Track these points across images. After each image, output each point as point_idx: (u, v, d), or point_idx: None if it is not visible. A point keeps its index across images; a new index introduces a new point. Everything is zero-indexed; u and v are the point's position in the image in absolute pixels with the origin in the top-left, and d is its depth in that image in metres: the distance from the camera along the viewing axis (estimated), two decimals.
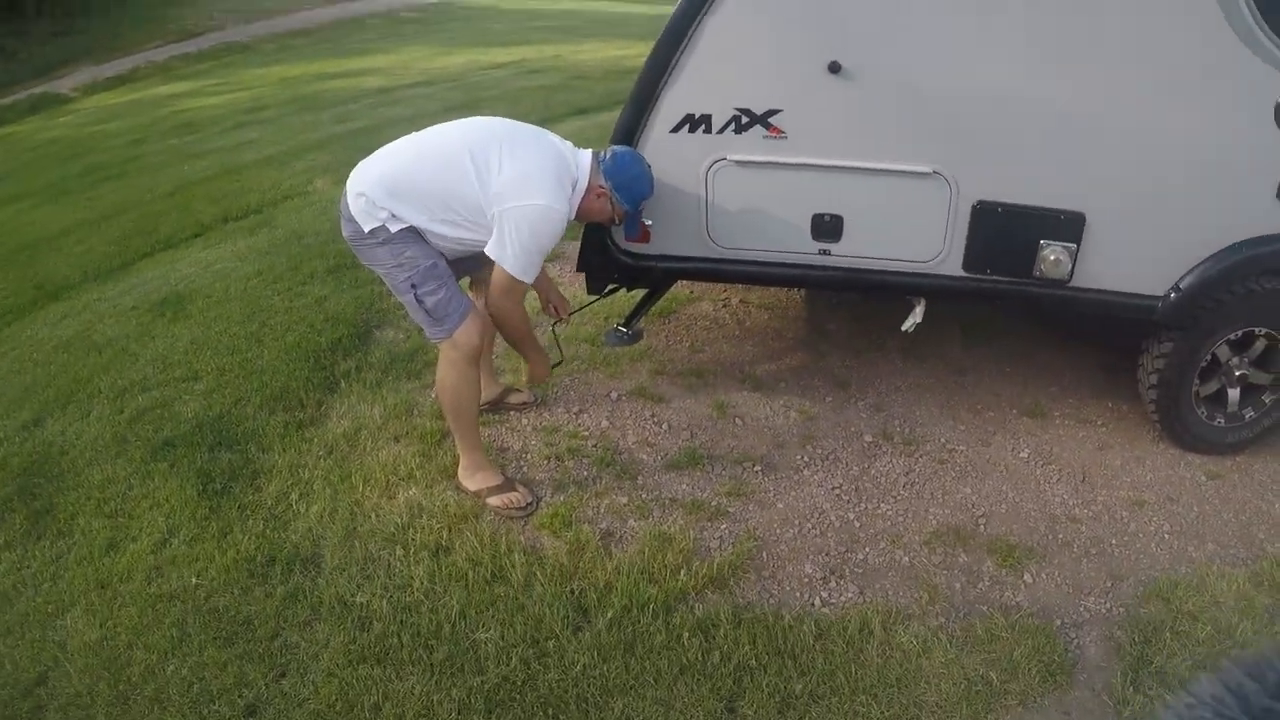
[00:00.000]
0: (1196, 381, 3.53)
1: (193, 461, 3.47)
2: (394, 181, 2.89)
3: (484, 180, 2.84)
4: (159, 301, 5.32)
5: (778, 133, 3.11)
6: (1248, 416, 3.62)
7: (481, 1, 36.41)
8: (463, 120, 3.10)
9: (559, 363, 3.67)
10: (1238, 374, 3.54)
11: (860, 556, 3.05)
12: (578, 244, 4.68)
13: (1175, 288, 3.28)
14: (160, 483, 3.37)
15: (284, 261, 5.70)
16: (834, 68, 2.99)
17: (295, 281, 5.31)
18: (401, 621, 2.66)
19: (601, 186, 3.01)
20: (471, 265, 3.25)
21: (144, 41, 29.89)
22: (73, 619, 2.78)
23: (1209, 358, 3.49)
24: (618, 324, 3.86)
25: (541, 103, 11.50)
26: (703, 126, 3.14)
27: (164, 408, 3.93)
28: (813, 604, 2.85)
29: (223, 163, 9.75)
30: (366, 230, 2.88)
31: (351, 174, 2.97)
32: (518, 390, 3.81)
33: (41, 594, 2.93)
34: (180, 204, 8.12)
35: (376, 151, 3.04)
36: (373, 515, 3.10)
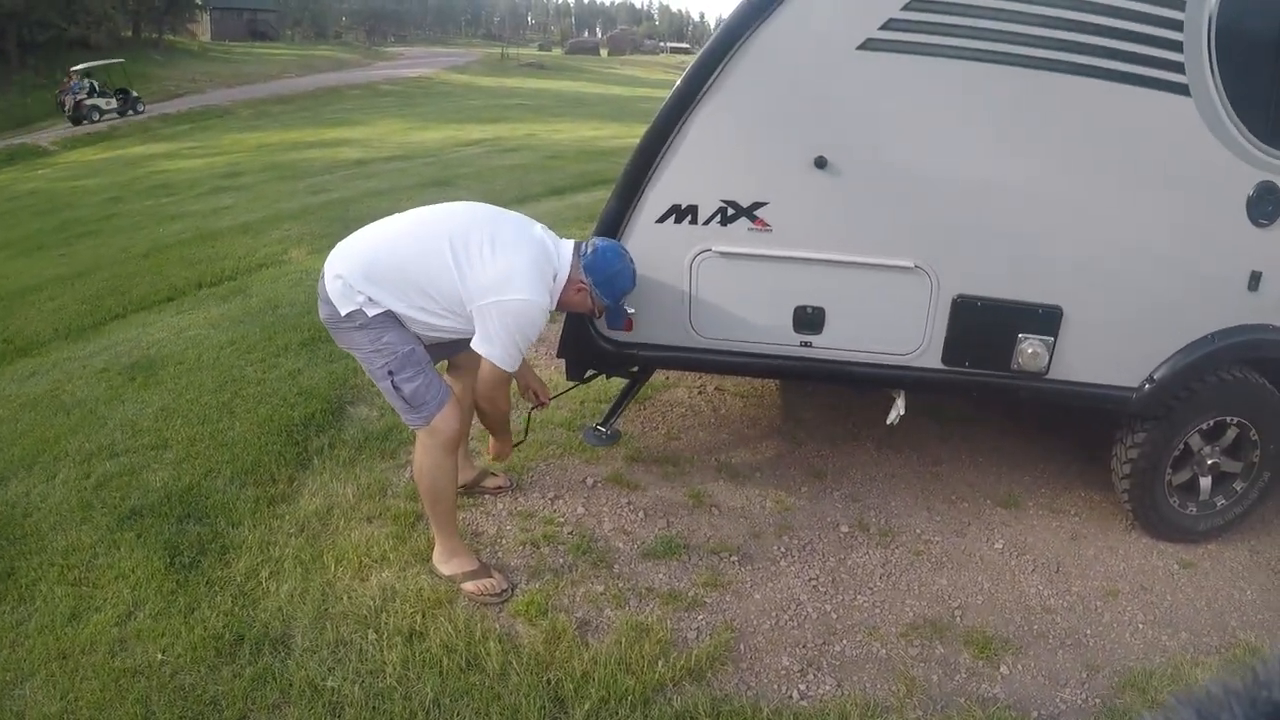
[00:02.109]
0: (1169, 470, 3.59)
1: (160, 533, 3.40)
2: (371, 265, 2.87)
3: (463, 271, 2.84)
4: (130, 365, 5.28)
5: (763, 225, 3.17)
6: (1219, 504, 3.68)
7: (458, 78, 37.05)
8: (444, 205, 3.11)
9: (519, 442, 3.66)
10: (1210, 463, 3.60)
11: (838, 648, 3.04)
12: (555, 325, 4.74)
13: (1149, 379, 3.36)
14: (126, 553, 3.29)
15: (257, 332, 5.68)
16: (820, 163, 3.07)
17: (269, 353, 5.29)
18: (374, 708, 2.58)
19: (582, 281, 3.03)
20: (449, 350, 3.26)
21: None
22: (32, 689, 2.68)
23: (1181, 447, 3.56)
24: (596, 424, 3.89)
25: (516, 182, 11.65)
26: (689, 217, 3.19)
27: (132, 475, 3.86)
28: (791, 696, 2.81)
29: (198, 227, 9.77)
30: (343, 313, 2.86)
31: (330, 255, 2.96)
32: (494, 474, 3.79)
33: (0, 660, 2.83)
34: (155, 266, 8.12)
35: (356, 233, 3.03)
36: (345, 597, 3.04)
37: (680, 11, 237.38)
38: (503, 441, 3.30)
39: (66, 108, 26.41)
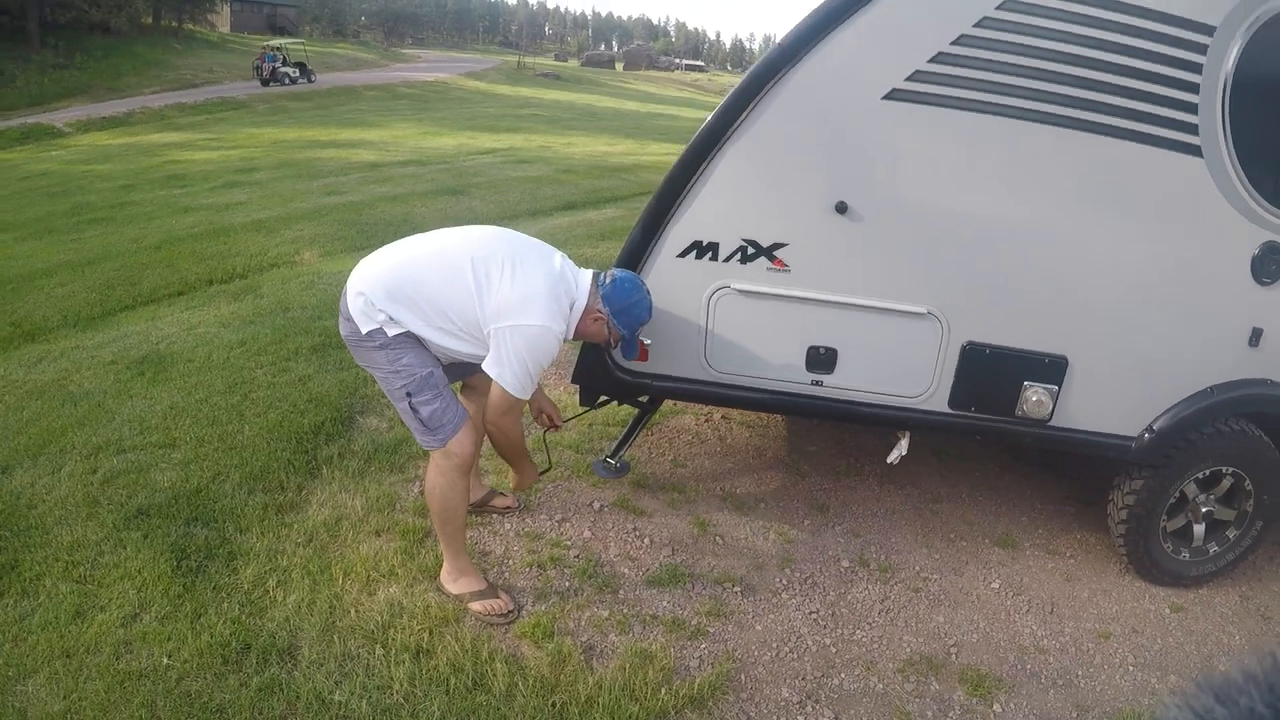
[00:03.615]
0: (1164, 516, 3.66)
1: (167, 534, 3.41)
2: (394, 283, 2.90)
3: (482, 295, 2.87)
4: (139, 359, 5.30)
5: (781, 265, 3.23)
6: (1212, 551, 3.75)
7: (475, 84, 37.15)
8: (468, 228, 3.14)
9: (546, 469, 3.69)
10: (1204, 510, 3.68)
11: (836, 682, 3.07)
12: (564, 346, 4.78)
13: (1149, 428, 3.44)
14: (132, 553, 3.30)
15: (268, 333, 5.71)
16: (840, 207, 3.13)
17: (279, 356, 5.32)
18: None
19: (599, 311, 3.06)
20: (466, 370, 3.29)
21: (143, 86, 30.20)
22: (35, 686, 2.68)
23: (1177, 494, 3.63)
24: (605, 456, 3.94)
25: (529, 195, 11.67)
26: (709, 254, 3.25)
27: (139, 473, 3.88)
28: None
29: (211, 221, 9.78)
30: (364, 331, 2.89)
31: (353, 272, 2.99)
32: (502, 494, 3.82)
33: (2, 655, 2.82)
34: (166, 259, 8.13)
35: (378, 250, 3.06)
36: (352, 610, 3.07)
37: (697, 30, 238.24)
38: (522, 471, 3.30)
39: (263, 73, 33.79)
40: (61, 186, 13.02)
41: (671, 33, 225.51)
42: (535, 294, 2.89)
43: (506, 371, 2.87)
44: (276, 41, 38.60)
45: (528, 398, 2.97)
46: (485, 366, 2.90)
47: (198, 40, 45.99)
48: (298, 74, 35.31)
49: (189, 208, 10.77)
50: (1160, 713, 0.57)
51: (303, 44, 42.24)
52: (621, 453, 3.94)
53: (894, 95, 3.03)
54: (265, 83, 33.63)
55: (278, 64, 34.65)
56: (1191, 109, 3.05)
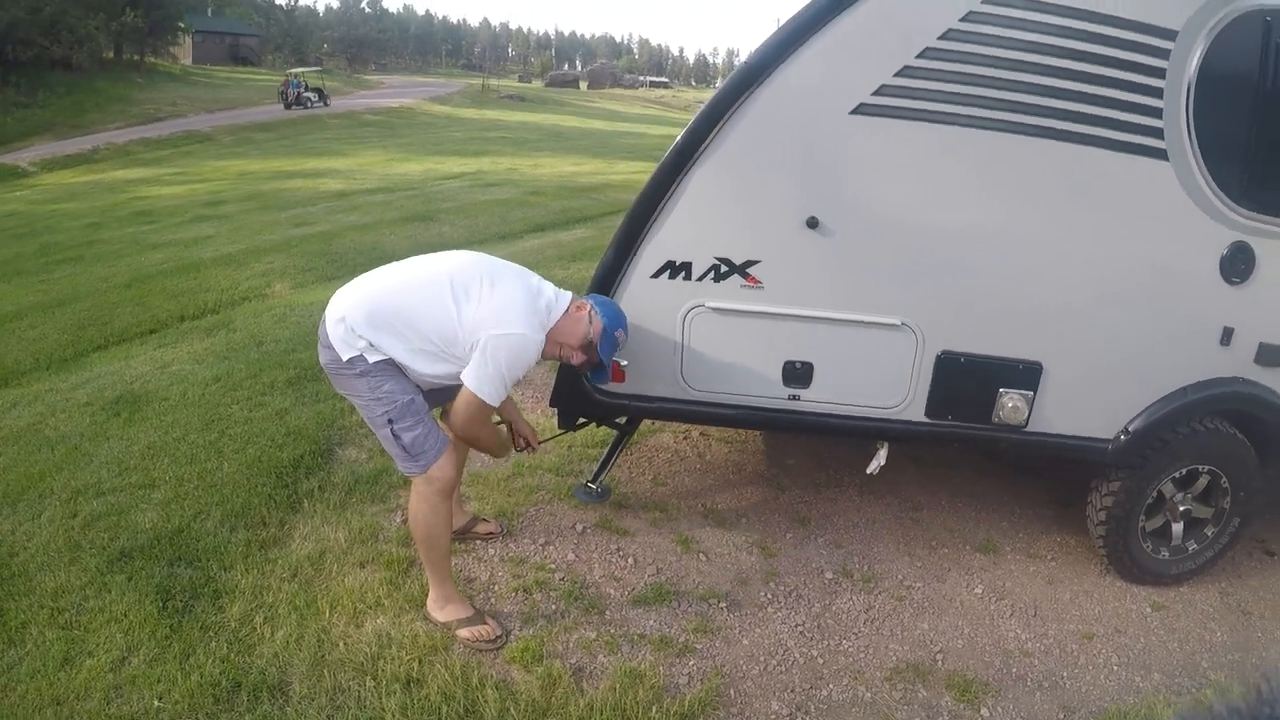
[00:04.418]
0: (1142, 516, 3.71)
1: (151, 576, 3.39)
2: (374, 308, 2.91)
3: (461, 311, 2.89)
4: (114, 400, 5.26)
5: (755, 282, 3.26)
6: (1191, 549, 3.81)
7: (439, 109, 37.15)
8: (446, 253, 3.17)
9: (544, 440, 3.70)
10: (1182, 509, 3.73)
11: (824, 693, 3.10)
12: (541, 369, 4.78)
13: (1125, 430, 3.49)
14: (117, 596, 3.27)
15: (243, 368, 5.69)
16: (812, 223, 3.18)
17: (255, 391, 5.30)
18: None
19: (589, 336, 3.08)
20: (445, 396, 3.30)
21: (107, 121, 29.98)
22: None
23: (1154, 494, 3.68)
24: (586, 481, 3.98)
25: (499, 218, 11.69)
26: (683, 274, 3.28)
27: (120, 515, 3.84)
28: None
29: (180, 257, 9.73)
30: (344, 359, 2.89)
31: (332, 299, 3.00)
32: (485, 520, 3.83)
33: None
34: (136, 297, 8.08)
35: (357, 278, 3.08)
36: (341, 644, 3.06)
37: (660, 46, 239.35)
38: (501, 446, 3.33)
39: (288, 98, 37.63)
40: (28, 227, 12.92)
41: (635, 50, 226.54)
42: (513, 304, 2.92)
43: (483, 379, 2.88)
44: (298, 70, 44.82)
45: (495, 404, 2.96)
46: (463, 374, 2.91)
47: (160, 74, 45.74)
48: (316, 98, 39.25)
49: (157, 244, 10.71)
50: None
51: (319, 72, 49.80)
52: (601, 477, 3.96)
53: (861, 110, 3.09)
54: (289, 106, 37.54)
55: (301, 89, 38.73)
56: (1156, 113, 3.12)
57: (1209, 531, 3.80)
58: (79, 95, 33.20)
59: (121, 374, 5.81)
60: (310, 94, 39.45)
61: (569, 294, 3.16)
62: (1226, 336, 3.41)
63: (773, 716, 2.97)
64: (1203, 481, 3.70)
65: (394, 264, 3.13)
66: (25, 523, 3.84)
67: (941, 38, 3.03)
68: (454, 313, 2.89)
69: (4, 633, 3.12)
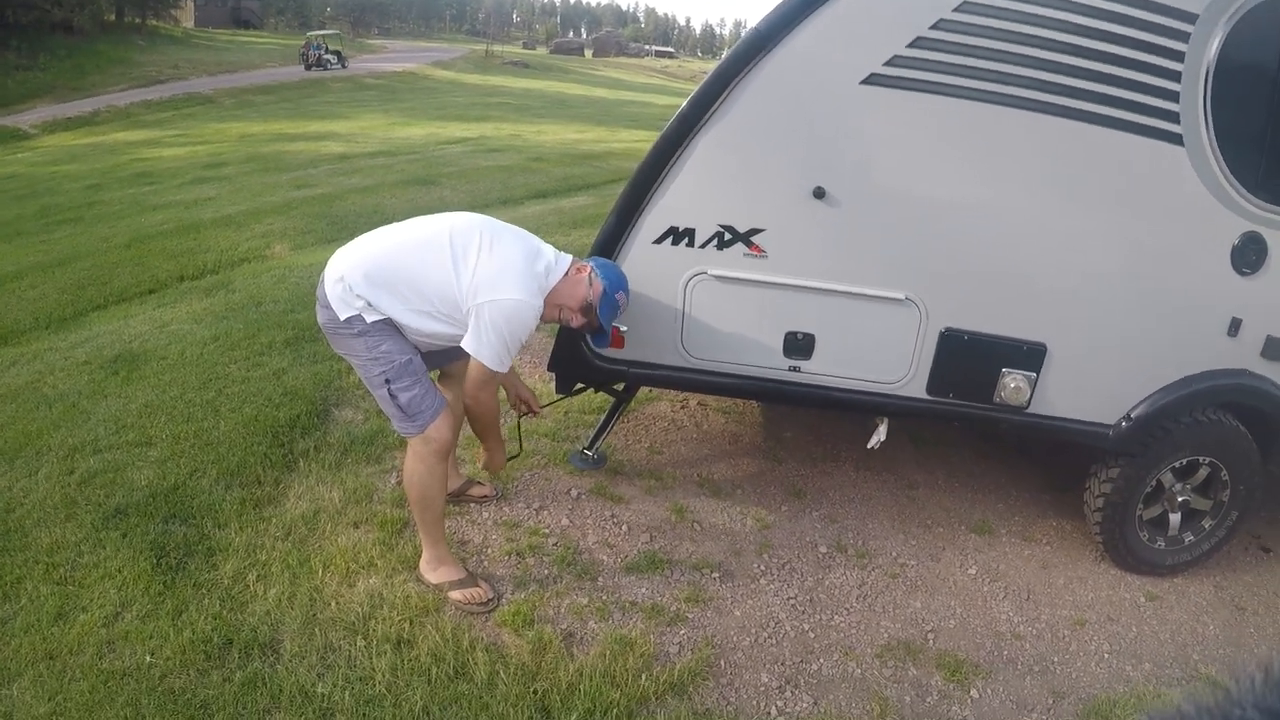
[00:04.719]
0: (1140, 505, 3.70)
1: (146, 533, 3.39)
2: (372, 267, 2.89)
3: (459, 272, 2.87)
4: (112, 358, 5.25)
5: (759, 251, 3.24)
6: (1187, 541, 3.79)
7: (442, 74, 36.92)
8: (447, 214, 3.14)
9: (515, 455, 3.69)
10: (1180, 499, 3.72)
11: (814, 667, 3.10)
12: (539, 334, 4.76)
13: (1127, 417, 3.47)
14: (112, 552, 3.28)
15: (241, 328, 5.67)
16: (818, 193, 3.14)
17: (252, 351, 5.28)
18: (364, 715, 2.61)
19: (590, 298, 3.06)
20: (443, 358, 3.28)
21: (108, 84, 29.82)
22: (19, 689, 2.66)
23: (1153, 483, 3.67)
24: (582, 448, 3.97)
25: (500, 184, 11.63)
26: (685, 240, 3.25)
27: (116, 472, 3.84)
28: (769, 713, 2.88)
29: (180, 218, 9.69)
30: (342, 318, 2.87)
31: (330, 259, 2.98)
32: (480, 483, 3.83)
33: None
34: (136, 257, 8.05)
35: (357, 238, 3.05)
36: (332, 603, 3.06)
37: (666, 15, 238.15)
38: (493, 451, 3.31)
39: (309, 61, 39.18)
40: (29, 188, 12.86)
41: (641, 19, 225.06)
42: (511, 268, 2.90)
43: (484, 346, 2.86)
44: (319, 33, 46.00)
45: (504, 371, 2.96)
46: (464, 343, 2.89)
47: (161, 36, 45.38)
48: (335, 60, 40.90)
49: (158, 205, 10.65)
50: None
51: (339, 34, 51.03)
52: (598, 444, 3.96)
53: (872, 80, 3.04)
54: (309, 67, 39.02)
55: (322, 51, 40.38)
56: (1173, 97, 3.07)
57: (1206, 524, 3.79)
58: (80, 58, 32.97)
59: (120, 333, 5.80)
60: (330, 56, 40.84)
61: (569, 256, 3.14)
62: (1234, 327, 3.38)
63: (762, 689, 2.97)
64: (1203, 473, 3.69)
65: (393, 224, 3.10)
66: (22, 479, 3.84)
67: (957, 9, 2.98)
68: (452, 274, 2.88)
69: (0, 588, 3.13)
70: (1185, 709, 0.58)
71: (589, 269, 3.09)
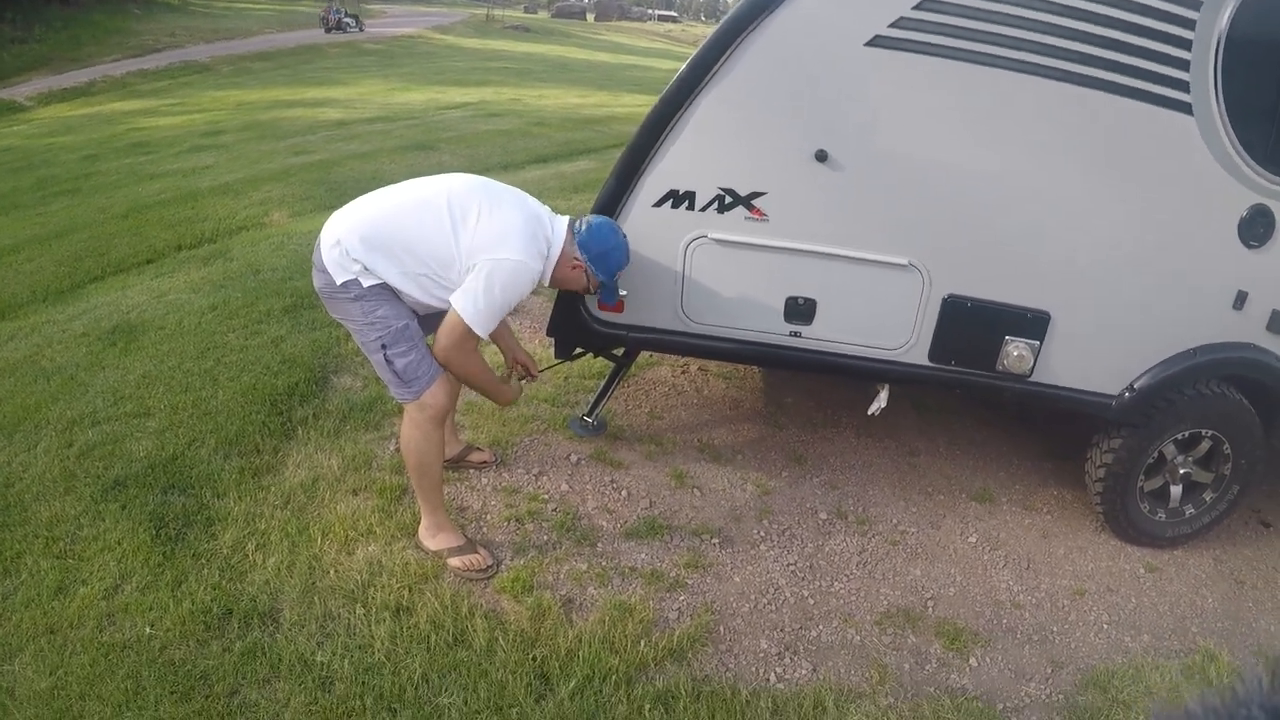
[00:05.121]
0: (1142, 476, 3.68)
1: (145, 504, 3.38)
2: (369, 230, 2.86)
3: (458, 234, 2.83)
4: (110, 330, 5.21)
5: (760, 215, 3.20)
6: (1188, 513, 3.78)
7: (442, 38, 36.58)
8: (444, 175, 3.09)
9: (524, 377, 3.57)
10: (1182, 472, 3.70)
11: (814, 634, 3.10)
12: (538, 298, 4.73)
13: (1130, 387, 3.44)
14: (111, 524, 3.27)
15: (239, 297, 5.63)
16: (821, 156, 3.10)
17: (251, 319, 5.25)
18: (364, 683, 2.61)
19: (576, 258, 3.03)
20: (440, 323, 3.26)
21: (104, 54, 29.55)
22: (21, 664, 2.66)
23: (1155, 455, 3.65)
24: (582, 415, 3.96)
25: (501, 148, 11.54)
26: (685, 203, 3.21)
27: (114, 444, 3.82)
28: (768, 679, 2.88)
29: (177, 187, 9.61)
30: (339, 282, 2.84)
31: (326, 223, 2.94)
32: (478, 449, 3.81)
33: None
34: (133, 227, 7.99)
35: (353, 201, 3.01)
36: (332, 571, 3.06)
37: None
38: (499, 394, 3.22)
39: (329, 23, 39.22)
40: (25, 161, 12.75)
41: None
42: (512, 230, 2.86)
43: (471, 303, 2.80)
44: None
45: (484, 335, 2.89)
46: (451, 298, 2.84)
47: (158, 5, 44.86)
48: (354, 23, 41.14)
49: (155, 174, 10.56)
50: None
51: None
52: (597, 410, 3.94)
53: (877, 42, 2.99)
54: (329, 30, 39.19)
55: (341, 15, 40.40)
56: (1184, 65, 3.02)
57: (1208, 497, 3.78)
58: (76, 29, 32.61)
59: (118, 304, 5.76)
60: (349, 19, 41.33)
61: (564, 221, 3.09)
62: (1240, 300, 3.35)
63: (761, 655, 2.98)
64: (1205, 446, 3.67)
65: (390, 187, 3.06)
66: (21, 453, 3.82)
67: None
68: (451, 236, 2.84)
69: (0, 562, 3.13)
70: (1192, 708, 0.57)
71: (584, 265, 3.05)
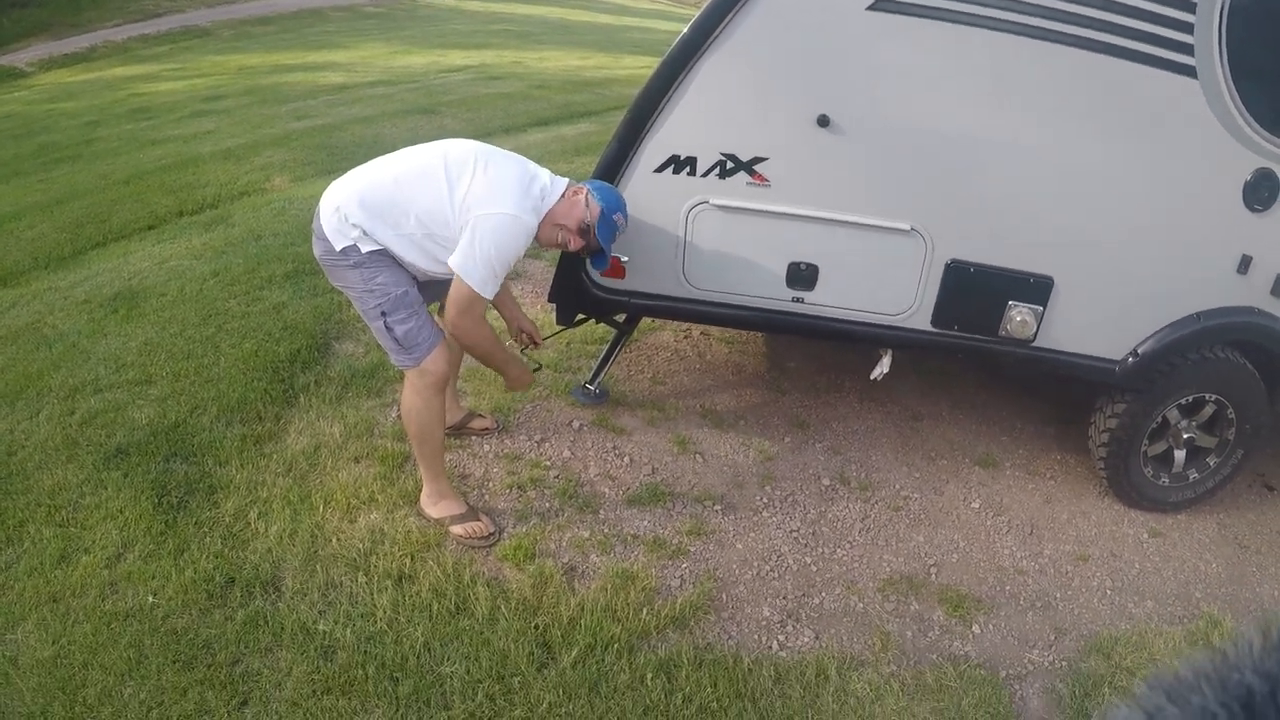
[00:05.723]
0: (1145, 441, 3.66)
1: (147, 472, 3.38)
2: (367, 194, 2.85)
3: (453, 189, 2.82)
4: (112, 296, 5.20)
5: (762, 180, 3.16)
6: (1191, 478, 3.77)
7: (445, 2, 36.31)
8: (442, 140, 3.07)
9: (539, 368, 3.62)
10: (1185, 436, 3.68)
11: (816, 601, 3.10)
12: (540, 263, 4.70)
13: (1134, 352, 3.42)
14: (113, 493, 3.27)
15: (240, 263, 5.60)
16: (823, 121, 3.06)
17: (252, 285, 5.22)
18: (366, 652, 2.62)
19: (587, 220, 2.98)
20: (441, 290, 3.23)
21: (104, 19, 29.30)
22: (24, 633, 2.67)
23: (1159, 419, 3.63)
24: (585, 382, 3.94)
25: (502, 111, 11.45)
26: (687, 169, 3.18)
27: (117, 412, 3.82)
28: (771, 647, 2.89)
29: (179, 152, 9.56)
30: (338, 249, 2.83)
31: (325, 191, 2.93)
32: (480, 415, 3.80)
33: None
34: (135, 193, 7.95)
35: (352, 170, 3.00)
36: (334, 539, 3.06)
37: None
38: (513, 371, 3.18)
39: None
40: (25, 128, 12.67)
41: None
42: (505, 185, 2.85)
43: (471, 262, 2.77)
44: None
45: (490, 295, 2.86)
46: (450, 260, 2.82)
47: None
48: None
49: (156, 140, 10.50)
50: (1110, 712, 0.55)
51: None
52: (600, 378, 3.92)
53: (879, 6, 2.94)
54: None
55: None
56: (1187, 28, 2.96)
57: (1211, 461, 3.76)
58: None
59: (119, 271, 5.74)
60: None
61: (565, 179, 3.07)
62: (1244, 265, 3.31)
63: (764, 622, 2.98)
64: (1209, 410, 3.66)
65: (389, 154, 3.04)
66: (23, 421, 3.82)
67: None
68: (446, 194, 2.82)
69: (2, 530, 3.13)
70: (1183, 673, 0.55)
71: (585, 190, 3.02)
